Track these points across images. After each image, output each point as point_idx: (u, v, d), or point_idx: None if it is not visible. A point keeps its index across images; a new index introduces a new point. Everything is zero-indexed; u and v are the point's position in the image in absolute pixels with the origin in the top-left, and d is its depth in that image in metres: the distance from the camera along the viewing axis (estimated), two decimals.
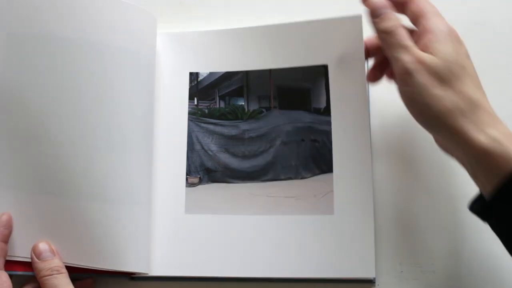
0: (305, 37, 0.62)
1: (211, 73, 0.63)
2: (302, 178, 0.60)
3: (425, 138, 0.63)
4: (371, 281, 0.58)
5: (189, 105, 0.62)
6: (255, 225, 0.59)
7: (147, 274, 0.56)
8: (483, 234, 0.60)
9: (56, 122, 0.52)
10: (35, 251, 0.50)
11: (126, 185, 0.54)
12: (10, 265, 0.51)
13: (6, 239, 0.51)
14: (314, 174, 0.60)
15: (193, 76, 0.63)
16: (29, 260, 0.51)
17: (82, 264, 0.52)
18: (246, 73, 0.62)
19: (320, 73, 0.61)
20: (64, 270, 0.50)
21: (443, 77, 0.48)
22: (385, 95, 0.64)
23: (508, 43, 0.66)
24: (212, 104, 0.62)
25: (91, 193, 0.52)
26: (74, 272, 0.52)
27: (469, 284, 0.59)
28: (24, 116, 0.51)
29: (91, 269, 0.53)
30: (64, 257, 0.51)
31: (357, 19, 0.60)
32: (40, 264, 0.49)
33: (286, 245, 0.58)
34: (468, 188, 0.61)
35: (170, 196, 0.59)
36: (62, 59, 0.53)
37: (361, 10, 0.56)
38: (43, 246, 0.50)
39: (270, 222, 0.59)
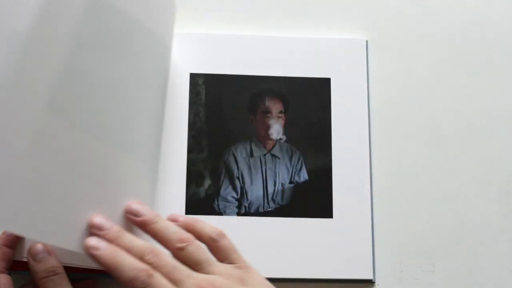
0: (310, 51, 0.64)
1: None
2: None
3: (425, 138, 0.63)
4: (371, 281, 0.58)
5: None
6: (255, 227, 0.59)
7: None
8: (483, 234, 0.60)
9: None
10: (30, 252, 0.49)
11: (139, 183, 0.53)
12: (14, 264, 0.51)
13: (10, 244, 0.50)
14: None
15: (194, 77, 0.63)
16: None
17: (81, 264, 0.52)
18: None
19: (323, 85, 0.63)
20: (61, 270, 0.49)
21: None
22: (385, 95, 0.64)
23: (508, 43, 0.66)
24: None
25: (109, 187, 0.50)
26: (75, 272, 0.52)
27: (469, 284, 0.59)
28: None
29: (91, 269, 0.53)
30: (60, 258, 0.50)
31: (362, 42, 0.64)
32: (36, 266, 0.49)
33: (287, 246, 0.58)
34: (468, 188, 0.62)
35: (170, 196, 0.59)
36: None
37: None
38: (39, 247, 0.49)
39: (271, 224, 0.59)
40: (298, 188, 0.60)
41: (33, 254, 0.49)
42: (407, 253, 0.59)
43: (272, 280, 0.58)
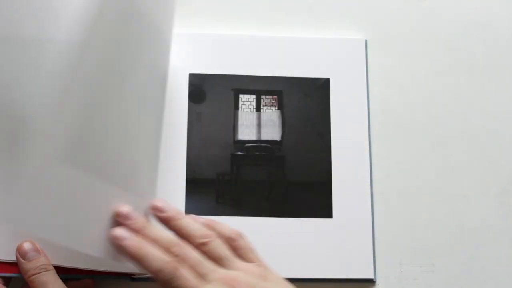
0: (309, 51, 0.64)
1: None
2: None
3: (425, 138, 0.63)
4: (371, 281, 0.58)
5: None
6: (256, 227, 0.59)
7: (147, 274, 0.56)
8: (483, 234, 0.60)
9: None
10: (20, 251, 0.49)
11: (133, 181, 0.53)
12: None
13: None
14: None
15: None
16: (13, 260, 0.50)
17: (79, 266, 0.52)
18: None
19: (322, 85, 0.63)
20: (51, 268, 0.49)
21: None
22: (385, 95, 0.64)
23: (508, 43, 0.66)
24: None
25: (125, 185, 0.51)
26: (74, 273, 0.52)
27: (469, 284, 0.59)
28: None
29: (91, 271, 0.53)
30: (58, 258, 0.50)
31: (361, 41, 0.64)
32: (27, 265, 0.48)
33: (287, 246, 0.58)
34: (468, 188, 0.62)
35: (170, 197, 0.59)
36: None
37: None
38: (28, 245, 0.49)
39: (271, 224, 0.59)
40: (298, 188, 0.60)
41: (22, 253, 0.48)
42: (407, 253, 0.59)
43: None
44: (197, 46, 0.63)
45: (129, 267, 0.54)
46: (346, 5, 0.66)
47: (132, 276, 0.57)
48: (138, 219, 0.49)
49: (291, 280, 0.57)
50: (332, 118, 0.62)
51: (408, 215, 0.61)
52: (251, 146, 0.62)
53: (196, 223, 0.50)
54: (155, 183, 0.56)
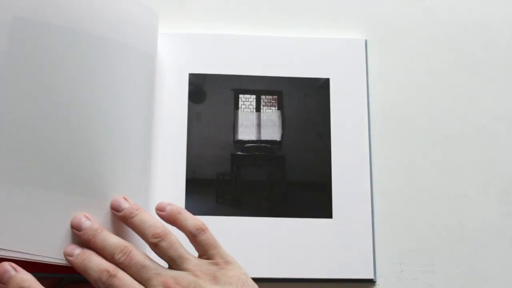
0: (309, 51, 0.64)
1: None
2: None
3: (425, 138, 0.63)
4: (371, 281, 0.58)
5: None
6: (256, 227, 0.59)
7: None
8: (483, 234, 0.60)
9: (53, 113, 0.51)
10: None
11: (125, 182, 0.53)
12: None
13: None
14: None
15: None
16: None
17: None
18: None
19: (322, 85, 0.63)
20: (28, 284, 0.46)
21: None
22: (385, 95, 0.64)
23: (508, 43, 0.66)
24: None
25: (87, 190, 0.51)
26: (74, 273, 0.52)
27: (469, 284, 0.59)
28: (22, 104, 0.50)
29: None
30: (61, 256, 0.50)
31: (361, 41, 0.64)
32: None
33: (286, 247, 0.58)
34: (468, 188, 0.62)
35: (169, 197, 0.59)
36: (63, 50, 0.52)
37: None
38: (2, 268, 0.47)
39: (270, 224, 0.59)
40: (298, 188, 0.60)
41: (0, 277, 0.47)
42: (407, 253, 0.59)
43: (272, 280, 0.58)
44: (197, 46, 0.63)
45: None
46: (346, 5, 0.66)
47: None
48: (90, 228, 0.49)
49: (292, 280, 0.58)
50: (332, 118, 0.62)
51: (408, 215, 0.60)
52: (251, 146, 0.62)
53: (150, 220, 0.50)
54: (142, 181, 0.55)
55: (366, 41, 0.65)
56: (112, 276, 0.46)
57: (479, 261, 0.59)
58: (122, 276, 0.46)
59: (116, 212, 0.51)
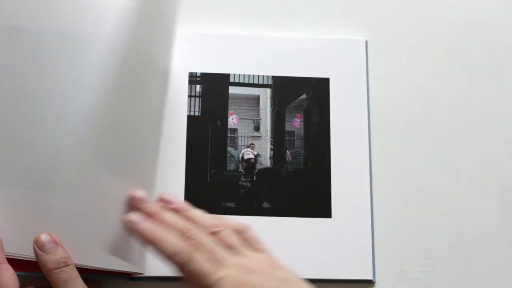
0: (309, 51, 0.64)
1: None
2: None
3: (425, 138, 0.63)
4: (371, 281, 0.58)
5: None
6: (255, 227, 0.58)
7: (143, 274, 0.56)
8: (483, 234, 0.60)
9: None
10: (37, 243, 0.48)
11: (132, 182, 0.53)
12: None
13: None
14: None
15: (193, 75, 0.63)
16: (28, 258, 0.50)
17: (78, 263, 0.51)
18: None
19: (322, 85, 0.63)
20: (71, 261, 0.48)
21: None
22: (385, 95, 0.64)
23: (508, 43, 0.66)
24: None
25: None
26: (81, 272, 0.52)
27: (469, 284, 0.59)
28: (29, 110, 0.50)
29: (90, 269, 0.53)
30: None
31: (361, 42, 0.64)
32: (44, 257, 0.47)
33: (286, 246, 0.58)
34: (468, 188, 0.61)
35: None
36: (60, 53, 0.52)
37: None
38: (45, 237, 0.48)
39: (270, 224, 0.59)
40: (297, 188, 0.60)
41: (40, 245, 0.48)
42: (407, 253, 0.59)
43: None
44: (197, 45, 0.63)
45: (129, 265, 0.54)
46: (346, 5, 0.66)
47: (131, 276, 0.57)
48: (153, 203, 0.50)
49: None
50: (332, 118, 0.62)
51: (408, 215, 0.60)
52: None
53: (205, 214, 0.50)
54: (155, 179, 0.57)
55: (366, 41, 0.65)
56: (191, 251, 0.46)
57: (479, 261, 0.59)
58: (199, 253, 0.46)
59: (169, 205, 0.51)
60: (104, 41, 0.49)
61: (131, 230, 0.48)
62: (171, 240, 0.47)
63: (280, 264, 0.48)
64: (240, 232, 0.49)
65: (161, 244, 0.47)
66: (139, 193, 0.51)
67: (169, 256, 0.46)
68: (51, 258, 0.47)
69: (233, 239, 0.48)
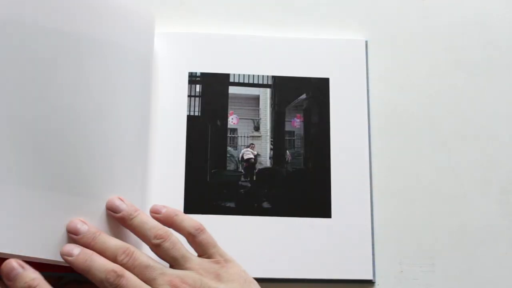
0: (309, 51, 0.64)
1: None
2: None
3: (425, 138, 0.63)
4: (370, 281, 0.58)
5: None
6: (254, 226, 0.59)
7: None
8: (483, 234, 0.60)
9: (48, 115, 0.51)
10: (3, 271, 0.46)
11: (121, 183, 0.53)
12: None
13: None
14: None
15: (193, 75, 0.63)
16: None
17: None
18: None
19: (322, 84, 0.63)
20: (36, 282, 0.45)
21: None
22: (385, 95, 0.64)
23: (508, 43, 0.66)
24: None
25: (83, 190, 0.51)
26: (73, 273, 0.52)
27: (469, 284, 0.59)
28: (18, 106, 0.50)
29: None
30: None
31: (361, 42, 0.64)
32: (12, 286, 0.45)
33: (285, 246, 0.58)
34: (468, 188, 0.61)
35: (169, 196, 0.59)
36: (57, 53, 0.52)
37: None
38: (10, 265, 0.46)
39: (270, 224, 0.59)
40: (297, 188, 0.60)
41: (6, 274, 0.46)
42: (407, 253, 0.59)
43: (271, 280, 0.58)
44: (197, 45, 0.63)
45: None
46: (346, 5, 0.66)
47: None
48: (87, 232, 0.48)
49: (291, 280, 0.58)
50: (332, 118, 0.62)
51: (408, 215, 0.60)
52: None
53: (150, 222, 0.50)
54: (139, 182, 0.55)
55: (366, 41, 0.65)
56: (119, 276, 0.46)
57: (479, 261, 0.59)
58: (129, 276, 0.46)
59: (113, 213, 0.50)
60: None
61: (66, 261, 0.48)
62: (99, 267, 0.46)
63: (226, 272, 0.48)
64: (191, 237, 0.50)
65: (90, 273, 0.46)
66: (71, 224, 0.49)
67: (98, 284, 0.46)
68: (18, 285, 0.45)
69: (175, 251, 0.48)
